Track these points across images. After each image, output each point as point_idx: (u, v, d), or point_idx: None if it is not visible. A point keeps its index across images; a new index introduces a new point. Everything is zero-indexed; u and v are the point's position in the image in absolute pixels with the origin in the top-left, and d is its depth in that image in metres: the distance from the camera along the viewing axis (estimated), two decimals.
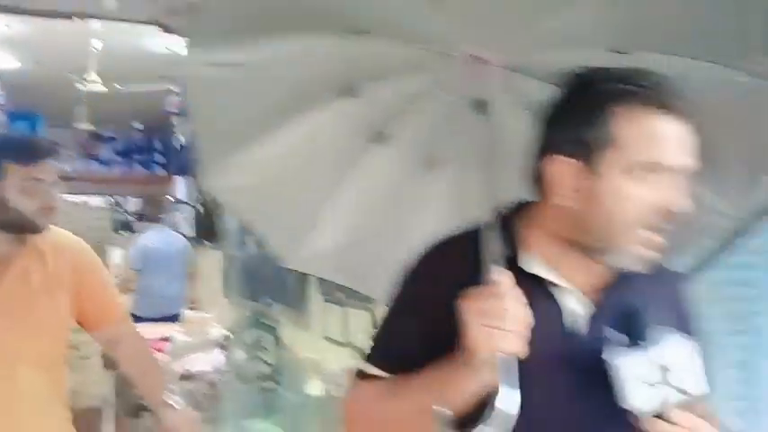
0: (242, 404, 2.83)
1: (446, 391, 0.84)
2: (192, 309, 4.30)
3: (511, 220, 0.94)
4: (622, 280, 0.91)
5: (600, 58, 0.95)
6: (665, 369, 0.80)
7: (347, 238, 1.34)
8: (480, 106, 1.09)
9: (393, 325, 0.99)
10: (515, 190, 1.01)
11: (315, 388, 2.43)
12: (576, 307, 0.90)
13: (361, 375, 0.97)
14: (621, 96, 0.84)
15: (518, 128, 1.06)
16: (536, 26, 0.98)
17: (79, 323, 1.62)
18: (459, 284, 0.85)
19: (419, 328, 0.92)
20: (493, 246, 0.88)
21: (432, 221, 1.33)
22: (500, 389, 0.81)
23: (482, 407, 0.82)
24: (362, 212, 1.33)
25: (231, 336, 3.21)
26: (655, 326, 0.82)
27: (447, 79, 1.15)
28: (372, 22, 1.04)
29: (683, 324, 0.94)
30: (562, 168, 0.87)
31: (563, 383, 0.87)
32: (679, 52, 0.96)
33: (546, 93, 0.96)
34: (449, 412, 0.82)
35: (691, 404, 0.80)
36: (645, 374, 0.80)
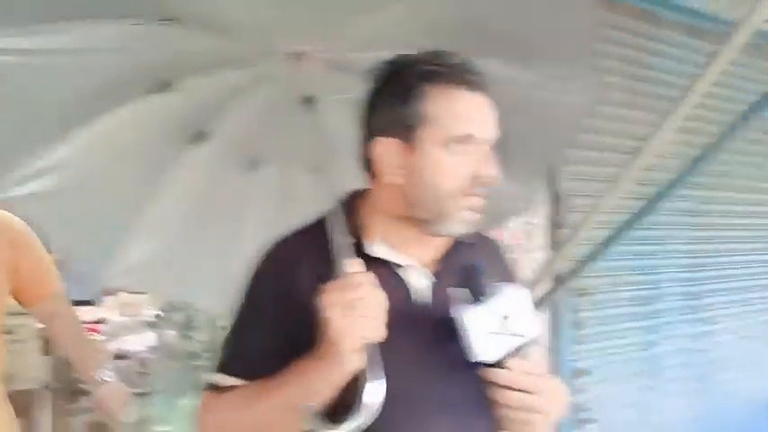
0: (172, 382, 2.92)
1: (310, 386, 0.85)
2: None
3: (351, 208, 0.98)
4: (455, 248, 0.98)
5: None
6: (504, 318, 0.86)
7: (165, 248, 1.27)
8: (308, 102, 1.11)
9: (246, 330, 0.97)
10: (350, 182, 1.02)
11: None
12: (419, 281, 0.95)
13: (215, 388, 0.95)
14: (431, 76, 0.90)
15: (344, 122, 1.07)
16: (353, 25, 1.04)
17: (16, 299, 1.65)
18: (309, 278, 0.89)
19: (274, 329, 0.93)
20: (339, 235, 0.91)
21: (261, 222, 1.28)
22: (367, 382, 0.84)
23: (344, 395, 0.85)
24: (182, 218, 1.25)
25: (162, 315, 3.27)
26: (491, 281, 0.88)
27: (269, 75, 1.12)
28: (186, 10, 0.99)
29: (510, 279, 1.05)
30: (386, 148, 0.92)
31: (417, 355, 0.91)
32: (482, 52, 1.02)
33: (364, 89, 1.00)
34: (315, 407, 0.84)
35: (527, 347, 0.87)
36: (488, 325, 0.86)
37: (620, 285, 3.12)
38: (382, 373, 0.84)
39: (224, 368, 0.96)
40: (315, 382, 0.85)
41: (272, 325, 0.93)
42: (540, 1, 1.10)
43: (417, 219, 0.94)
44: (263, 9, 1.00)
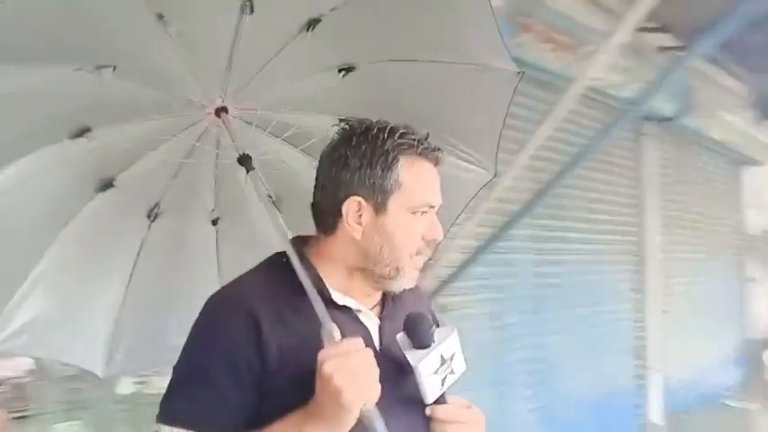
0: (50, 404, 2.81)
1: None
2: None
3: (302, 255, 1.02)
4: (390, 297, 1.07)
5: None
6: (449, 360, 0.98)
7: (53, 309, 1.23)
8: (243, 160, 1.15)
9: (216, 382, 0.94)
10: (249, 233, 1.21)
11: (124, 387, 2.46)
12: (373, 327, 1.03)
13: None
14: (405, 148, 1.00)
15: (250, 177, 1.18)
16: (271, 89, 1.16)
17: None
18: (280, 328, 0.95)
19: (247, 381, 0.94)
20: (308, 287, 0.96)
21: (156, 276, 1.30)
22: None
23: None
24: (76, 275, 1.22)
25: None
26: (434, 327, 0.99)
27: (191, 127, 1.18)
28: (122, 59, 1.03)
29: (435, 320, 1.14)
30: (357, 207, 1.00)
31: (386, 401, 0.91)
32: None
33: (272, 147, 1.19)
34: None
35: (457, 381, 0.99)
36: (435, 367, 0.96)
37: (475, 302, 3.48)
38: (385, 428, 0.88)
39: (194, 423, 0.94)
40: None
41: (246, 376, 0.94)
42: (456, 88, 1.20)
43: (372, 272, 1.01)
44: (194, 66, 1.07)
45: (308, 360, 0.89)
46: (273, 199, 1.26)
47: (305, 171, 1.26)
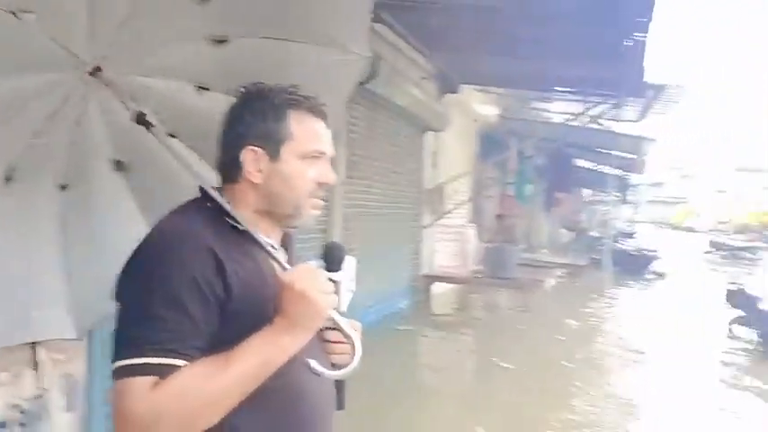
0: None
1: (282, 353, 1.02)
2: None
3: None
4: (287, 234, 1.25)
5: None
6: (352, 280, 1.19)
7: None
8: (139, 119, 1.28)
9: (172, 308, 0.99)
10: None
11: None
12: (283, 260, 1.17)
13: (134, 371, 0.96)
14: (294, 104, 1.16)
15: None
16: (151, 56, 1.34)
17: None
18: (226, 256, 1.05)
19: (204, 305, 1.01)
20: (245, 224, 1.12)
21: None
22: (352, 336, 1.10)
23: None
24: None
25: None
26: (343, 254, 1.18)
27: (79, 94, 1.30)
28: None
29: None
30: (254, 155, 1.14)
31: None
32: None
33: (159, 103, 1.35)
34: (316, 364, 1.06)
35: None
36: (348, 285, 1.17)
37: None
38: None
39: (157, 349, 0.97)
40: (288, 349, 1.02)
41: (211, 299, 1.02)
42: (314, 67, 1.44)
43: (275, 213, 1.17)
44: (65, 27, 1.19)
45: (258, 287, 1.07)
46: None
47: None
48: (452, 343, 7.15)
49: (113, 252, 1.12)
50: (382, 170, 7.24)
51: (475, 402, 5.02)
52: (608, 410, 4.94)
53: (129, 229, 1.36)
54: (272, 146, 1.14)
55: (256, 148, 1.14)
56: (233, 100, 1.19)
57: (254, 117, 1.15)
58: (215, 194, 1.13)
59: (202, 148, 1.40)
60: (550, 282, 10.88)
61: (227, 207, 1.11)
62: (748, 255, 20.80)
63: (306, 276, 1.04)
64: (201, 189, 1.16)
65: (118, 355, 0.98)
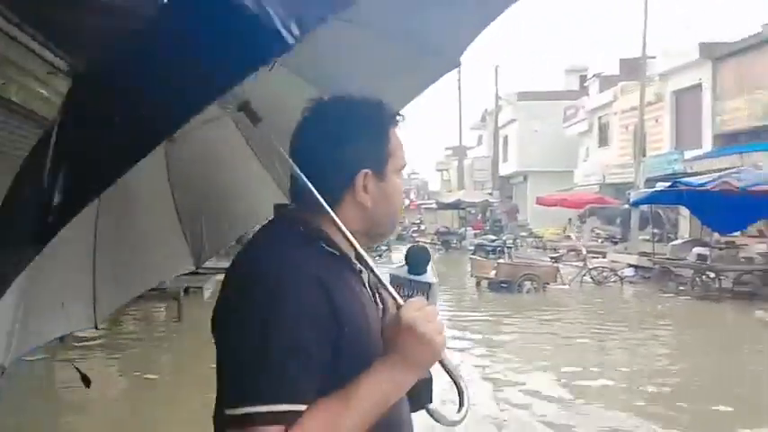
0: None
1: (396, 391, 1.02)
2: None
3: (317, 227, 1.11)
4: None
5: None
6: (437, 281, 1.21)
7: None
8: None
9: (293, 353, 0.96)
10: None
11: None
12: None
13: (267, 419, 0.93)
14: (390, 121, 1.16)
15: None
16: None
17: None
18: (342, 294, 1.03)
19: (322, 348, 0.99)
20: (353, 256, 1.13)
21: None
22: (459, 379, 1.08)
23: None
24: None
25: None
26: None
27: None
28: None
29: None
30: (365, 178, 1.12)
31: None
32: None
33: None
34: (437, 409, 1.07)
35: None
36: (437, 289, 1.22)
37: None
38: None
39: (282, 396, 0.95)
40: (404, 386, 1.02)
41: (319, 340, 0.99)
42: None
43: (374, 231, 1.17)
44: None
45: (360, 316, 1.06)
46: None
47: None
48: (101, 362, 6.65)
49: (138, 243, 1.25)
50: None
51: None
52: None
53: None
54: (381, 166, 1.14)
55: (369, 171, 1.12)
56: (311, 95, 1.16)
57: (366, 138, 1.13)
58: (340, 224, 1.09)
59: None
60: (209, 288, 10.96)
61: (351, 237, 1.09)
62: None
63: (427, 316, 1.02)
64: (284, 209, 1.17)
65: (242, 401, 0.95)
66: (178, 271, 1.87)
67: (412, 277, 1.16)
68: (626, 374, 6.70)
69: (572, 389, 5.97)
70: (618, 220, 21.96)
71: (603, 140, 28.23)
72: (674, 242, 15.38)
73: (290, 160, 1.12)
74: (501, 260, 13.29)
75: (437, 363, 1.05)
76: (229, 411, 0.95)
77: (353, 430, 0.98)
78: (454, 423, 1.06)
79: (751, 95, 19.17)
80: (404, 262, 1.18)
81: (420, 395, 1.09)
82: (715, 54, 20.93)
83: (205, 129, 1.48)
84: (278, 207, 1.19)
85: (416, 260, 1.17)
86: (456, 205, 27.44)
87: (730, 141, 20.11)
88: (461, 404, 1.07)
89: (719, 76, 20.78)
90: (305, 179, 1.09)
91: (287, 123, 1.15)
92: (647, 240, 16.95)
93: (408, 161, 1.23)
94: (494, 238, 17.81)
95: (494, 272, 12.31)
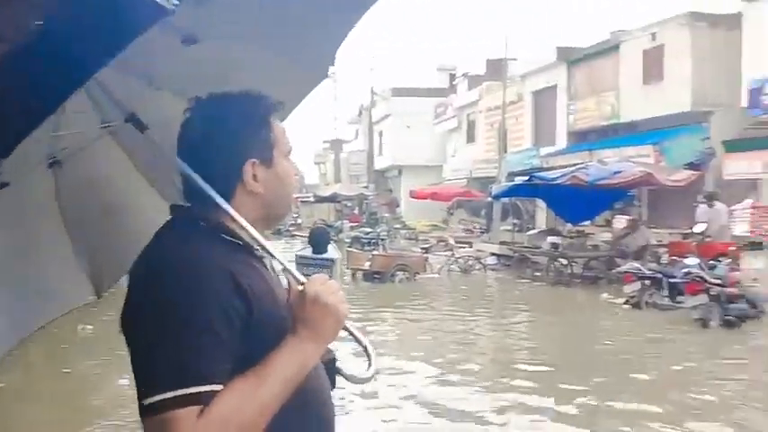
0: None
1: (307, 362, 1.08)
2: None
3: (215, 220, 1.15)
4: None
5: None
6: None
7: None
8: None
9: (203, 336, 1.00)
10: None
11: None
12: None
13: (178, 402, 0.96)
14: (269, 109, 1.21)
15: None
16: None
17: None
18: (245, 276, 1.07)
19: (231, 329, 1.02)
20: (250, 239, 1.16)
21: None
22: (365, 341, 1.20)
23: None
24: None
25: None
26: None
27: None
28: None
29: None
30: (253, 168, 1.17)
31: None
32: None
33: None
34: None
35: None
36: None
37: None
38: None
39: (197, 378, 0.97)
40: (314, 357, 1.10)
41: (230, 324, 1.02)
42: None
43: (272, 216, 1.23)
44: None
45: (269, 299, 1.10)
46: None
47: None
48: None
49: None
50: None
51: None
52: None
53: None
54: (267, 153, 1.17)
55: (255, 160, 1.16)
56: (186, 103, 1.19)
57: (248, 129, 1.16)
58: (235, 214, 1.14)
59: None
60: None
61: (248, 226, 1.14)
62: None
63: (329, 289, 1.10)
64: (181, 209, 1.18)
65: (153, 389, 0.97)
66: (79, 302, 1.86)
67: (316, 256, 1.48)
68: (494, 353, 7.13)
69: (444, 368, 6.25)
70: (483, 212, 23.21)
71: (471, 137, 29.69)
72: (530, 232, 16.54)
73: (179, 160, 1.16)
74: (375, 252, 13.57)
75: (343, 329, 1.14)
76: (145, 401, 0.98)
77: (270, 403, 1.02)
78: (365, 380, 1.17)
79: (600, 97, 21.07)
80: (308, 244, 1.43)
81: (328, 374, 1.20)
82: (570, 58, 22.75)
83: (89, 151, 1.53)
84: (174, 207, 1.20)
85: (318, 240, 1.60)
86: (333, 198, 27.57)
87: (582, 139, 21.98)
88: (370, 363, 1.17)
89: (573, 79, 22.61)
90: (196, 177, 1.14)
91: (172, 139, 1.21)
92: (509, 231, 18.10)
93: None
94: (369, 230, 18.14)
95: (368, 263, 12.56)
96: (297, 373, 1.06)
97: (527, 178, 13.70)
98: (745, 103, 16.64)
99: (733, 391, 5.61)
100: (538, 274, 13.07)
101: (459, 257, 14.38)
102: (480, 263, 14.36)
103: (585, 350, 7.30)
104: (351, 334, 1.16)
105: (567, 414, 4.99)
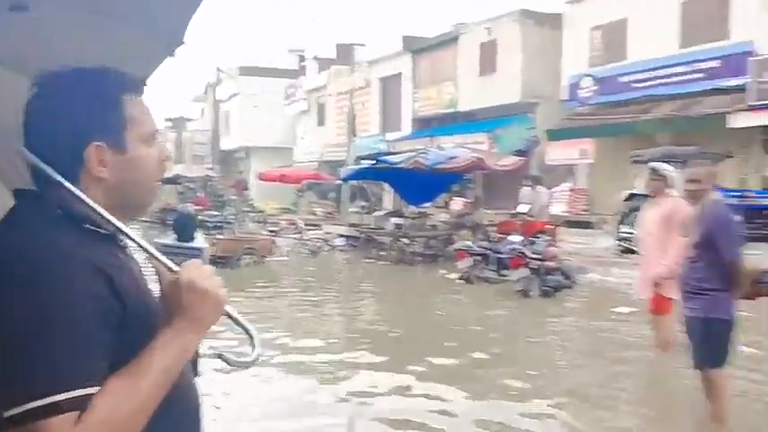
0: None
1: (188, 348, 1.03)
2: None
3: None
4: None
5: None
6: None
7: None
8: None
9: (76, 337, 0.92)
10: None
11: None
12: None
13: (50, 411, 0.88)
14: (124, 86, 1.09)
15: None
16: None
17: None
18: (114, 268, 1.00)
19: (103, 326, 0.95)
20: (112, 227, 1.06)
21: None
22: (248, 325, 1.11)
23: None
24: None
25: None
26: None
27: None
28: None
29: None
30: (98, 151, 1.04)
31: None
32: None
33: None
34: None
35: None
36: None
37: None
38: None
39: (72, 382, 0.89)
40: (193, 346, 1.03)
41: (103, 320, 0.95)
42: None
43: (128, 205, 1.11)
44: None
45: (137, 290, 1.04)
46: None
47: None
48: None
49: None
50: None
51: None
52: None
53: None
54: (116, 136, 1.06)
55: (100, 143, 1.04)
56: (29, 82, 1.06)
57: (93, 108, 1.05)
58: (88, 201, 1.02)
59: None
60: None
61: (106, 214, 1.03)
62: None
63: (204, 274, 1.04)
64: (29, 193, 1.05)
65: (21, 398, 0.88)
66: None
67: (181, 245, 1.17)
68: (344, 329, 7.33)
69: (302, 350, 6.31)
70: (330, 195, 23.54)
71: (321, 120, 29.84)
72: (376, 213, 17.14)
73: (22, 144, 1.05)
74: (220, 236, 13.23)
75: (223, 315, 1.07)
76: (9, 413, 0.88)
77: (150, 399, 0.96)
78: (248, 365, 1.10)
79: (441, 86, 22.20)
80: (172, 231, 1.20)
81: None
82: (414, 47, 23.66)
83: None
84: (20, 192, 1.07)
85: (184, 227, 1.19)
86: (174, 180, 26.22)
87: (425, 126, 23.06)
88: (253, 347, 1.10)
89: (417, 68, 23.58)
90: (36, 160, 1.02)
91: (8, 117, 1.10)
92: (359, 213, 18.57)
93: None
94: (216, 213, 17.58)
95: (214, 247, 12.20)
96: (176, 364, 1.00)
97: (373, 162, 14.14)
98: (564, 96, 18.54)
99: (548, 343, 6.62)
100: (383, 253, 13.59)
101: (308, 240, 14.49)
102: (329, 244, 14.59)
103: (423, 320, 7.80)
104: (231, 318, 1.09)
105: (404, 383, 5.32)
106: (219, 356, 1.08)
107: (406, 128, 23.76)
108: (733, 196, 10.37)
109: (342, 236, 15.63)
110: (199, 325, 1.03)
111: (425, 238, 13.38)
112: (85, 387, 0.90)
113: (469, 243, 10.74)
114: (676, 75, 15.68)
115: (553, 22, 19.32)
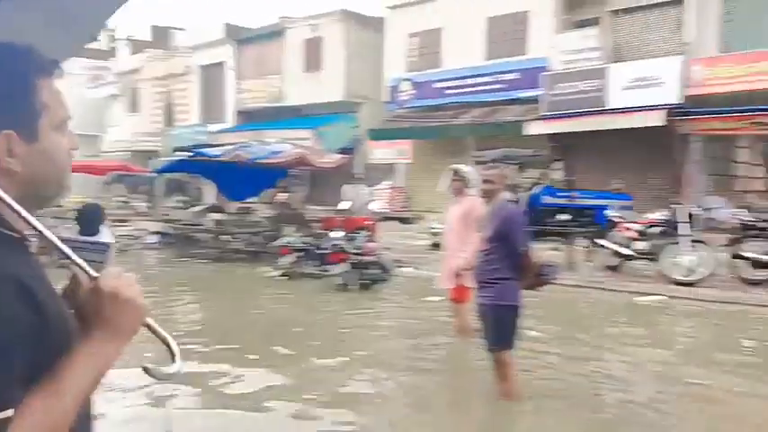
0: None
1: (105, 366, 0.97)
2: None
3: None
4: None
5: None
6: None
7: None
8: None
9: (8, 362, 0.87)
10: None
11: None
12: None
13: None
14: (37, 70, 0.99)
15: None
16: None
17: None
18: (36, 283, 0.93)
19: (25, 345, 0.89)
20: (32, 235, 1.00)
21: None
22: (165, 336, 1.06)
23: None
24: None
25: None
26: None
27: None
28: None
29: None
30: (6, 141, 0.95)
31: None
32: None
33: None
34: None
35: None
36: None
37: None
38: None
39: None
40: (114, 358, 0.98)
41: (22, 344, 0.88)
42: None
43: (38, 197, 1.02)
44: None
45: (53, 300, 0.97)
46: None
47: None
48: None
49: None
50: None
51: None
52: None
53: None
54: (28, 125, 0.96)
55: (9, 132, 0.94)
56: None
57: (1, 93, 0.94)
58: (6, 197, 0.93)
59: None
60: None
61: (25, 213, 0.94)
62: None
63: (127, 283, 0.99)
64: None
65: None
66: None
67: (85, 239, 1.10)
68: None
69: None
70: (141, 188, 21.97)
71: (134, 107, 27.68)
72: (193, 209, 16.33)
73: None
74: None
75: (143, 326, 1.04)
76: None
77: (72, 415, 0.92)
78: (169, 377, 1.08)
79: (266, 79, 21.81)
80: (75, 222, 1.08)
81: None
82: (238, 36, 22.95)
83: None
84: None
85: (89, 219, 1.20)
86: None
87: (250, 119, 22.50)
88: (173, 360, 1.07)
89: (242, 58, 22.90)
90: None
91: None
92: (177, 208, 17.51)
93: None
94: None
95: None
96: (95, 377, 0.96)
97: (191, 154, 13.42)
98: (386, 97, 19.29)
99: (366, 330, 6.94)
100: (202, 251, 12.98)
101: (116, 237, 13.33)
102: (139, 242, 13.55)
103: (243, 319, 7.59)
104: (152, 330, 1.06)
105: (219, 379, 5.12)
106: (144, 369, 1.06)
107: (230, 120, 22.99)
108: (562, 196, 11.61)
109: (155, 232, 14.64)
110: (121, 336, 1.00)
111: (248, 235, 13.04)
112: (4, 410, 0.87)
113: (292, 239, 10.68)
114: (483, 84, 17.17)
115: (377, 25, 19.99)
